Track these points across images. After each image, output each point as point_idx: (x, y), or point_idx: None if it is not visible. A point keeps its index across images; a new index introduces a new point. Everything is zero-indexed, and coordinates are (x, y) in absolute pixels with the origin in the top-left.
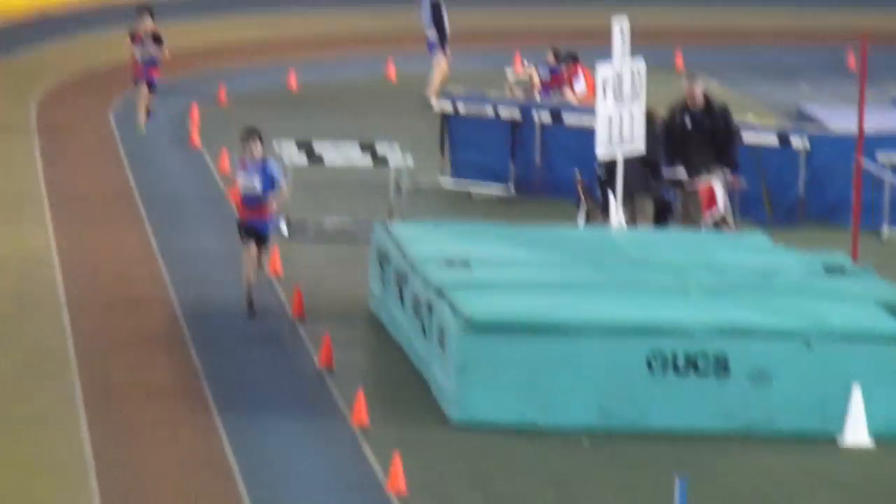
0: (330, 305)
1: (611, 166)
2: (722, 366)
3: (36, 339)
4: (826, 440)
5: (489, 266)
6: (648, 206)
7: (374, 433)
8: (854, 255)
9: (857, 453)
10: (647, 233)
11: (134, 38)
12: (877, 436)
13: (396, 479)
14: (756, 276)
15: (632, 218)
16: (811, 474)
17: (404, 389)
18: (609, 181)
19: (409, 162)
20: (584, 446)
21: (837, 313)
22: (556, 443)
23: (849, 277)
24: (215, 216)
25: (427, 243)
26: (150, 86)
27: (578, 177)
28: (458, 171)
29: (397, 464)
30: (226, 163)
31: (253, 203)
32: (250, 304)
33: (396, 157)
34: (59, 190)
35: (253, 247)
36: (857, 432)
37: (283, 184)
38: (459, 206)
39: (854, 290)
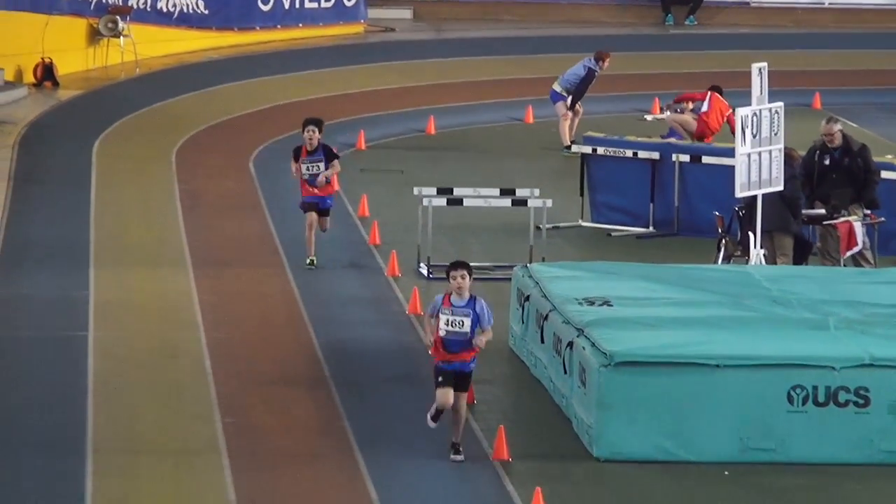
0: None
1: (750, 205)
2: (863, 398)
3: (179, 381)
4: None
5: (629, 304)
6: (788, 244)
7: (516, 468)
8: None
9: None
10: (787, 269)
11: (295, 154)
12: None
13: None
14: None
15: (771, 256)
16: None
17: (545, 425)
18: (748, 219)
19: (549, 203)
20: (726, 475)
21: None
22: (697, 475)
23: None
24: (355, 259)
25: (567, 282)
26: (324, 212)
27: (718, 215)
28: (597, 212)
29: (539, 499)
30: (366, 208)
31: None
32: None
33: (536, 199)
34: (199, 235)
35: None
36: None
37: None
38: (599, 247)
39: None
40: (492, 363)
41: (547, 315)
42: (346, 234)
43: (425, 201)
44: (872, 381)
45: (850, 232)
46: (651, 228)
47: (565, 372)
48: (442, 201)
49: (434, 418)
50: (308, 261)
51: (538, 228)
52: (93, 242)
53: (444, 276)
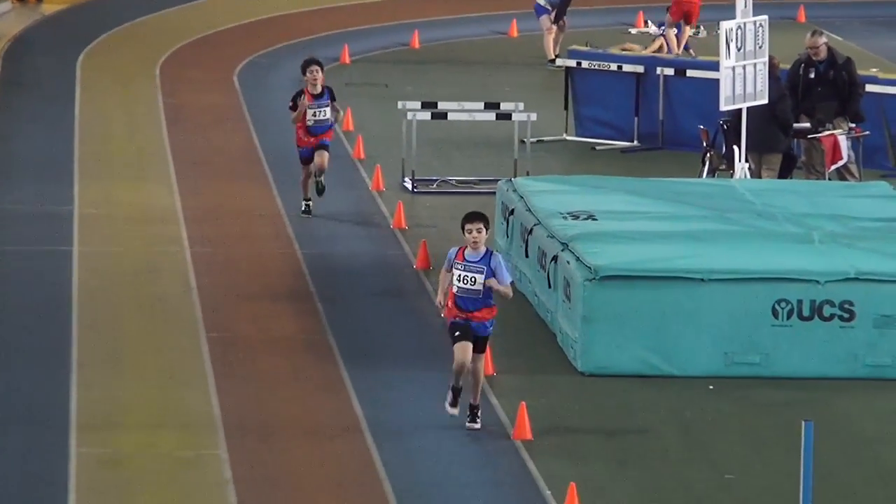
0: None
1: (735, 118)
2: (847, 312)
3: (163, 295)
4: None
5: (614, 218)
6: (776, 160)
7: (500, 382)
8: None
9: None
10: (772, 183)
11: (296, 100)
12: None
13: (522, 426)
14: (880, 223)
15: (756, 170)
16: None
17: (529, 340)
18: (733, 133)
19: (533, 117)
20: (710, 389)
21: None
22: (681, 389)
23: None
24: (340, 174)
25: (552, 197)
26: (326, 148)
27: (702, 128)
28: (582, 126)
29: (523, 412)
30: (350, 122)
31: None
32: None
33: (520, 113)
34: (183, 149)
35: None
36: None
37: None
38: (583, 161)
39: None
40: None
41: (531, 229)
42: (331, 148)
43: (409, 115)
44: (857, 294)
45: (835, 145)
46: (636, 142)
47: (550, 286)
48: (426, 115)
49: (453, 402)
50: (303, 206)
51: (522, 142)
52: (77, 157)
53: (429, 191)
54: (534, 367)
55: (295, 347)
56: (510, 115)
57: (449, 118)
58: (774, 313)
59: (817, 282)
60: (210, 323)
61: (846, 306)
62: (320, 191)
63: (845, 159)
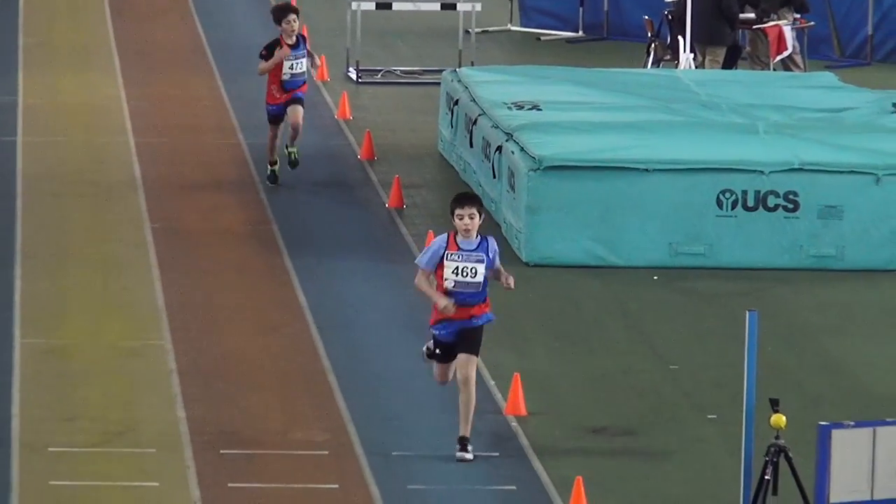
0: (399, 149)
1: (681, 9)
2: (792, 202)
3: (108, 186)
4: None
5: (558, 108)
6: (721, 52)
7: None
8: None
9: None
10: (716, 74)
11: (272, 49)
12: None
13: None
14: (825, 114)
15: (701, 60)
16: (880, 306)
17: None
18: (678, 23)
19: (478, 7)
20: (655, 280)
21: None
22: (626, 279)
23: None
24: None
25: (496, 87)
26: (300, 101)
27: (647, 19)
28: (526, 17)
29: None
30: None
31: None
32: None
33: (465, 3)
34: (128, 41)
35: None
36: None
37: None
38: (528, 51)
39: None
40: (421, 167)
41: (476, 119)
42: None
43: (354, 5)
44: (801, 185)
45: (780, 36)
46: (580, 32)
47: (494, 176)
48: (370, 5)
49: (462, 448)
50: (269, 171)
51: (467, 32)
52: (21, 47)
53: (374, 81)
54: None
55: (239, 238)
56: (455, 5)
57: (394, 8)
58: (719, 203)
59: (762, 172)
60: (154, 213)
61: (790, 197)
62: (293, 163)
63: (790, 50)
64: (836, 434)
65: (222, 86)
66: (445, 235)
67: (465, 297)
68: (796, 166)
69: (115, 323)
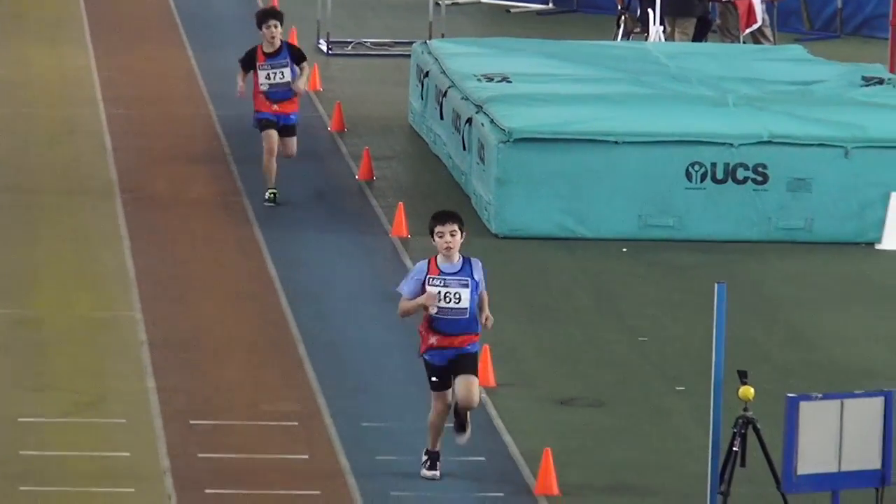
0: (369, 121)
1: None
2: (761, 175)
3: (78, 157)
4: (864, 246)
5: (528, 80)
6: (690, 25)
7: (415, 246)
8: (892, 67)
9: (894, 257)
10: (686, 47)
11: (251, 61)
12: None
13: None
14: (794, 87)
15: (671, 32)
16: (849, 279)
17: (444, 202)
18: None
19: None
20: (624, 252)
21: (875, 123)
22: (595, 252)
23: (886, 88)
24: (254, 36)
25: (466, 59)
26: (289, 130)
27: None
28: None
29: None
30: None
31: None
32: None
33: None
34: (98, 12)
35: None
36: (893, 237)
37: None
38: (498, 23)
39: (891, 100)
40: (391, 140)
41: (446, 91)
42: (245, 9)
43: None
44: (771, 157)
45: (750, 9)
46: (550, 5)
47: (464, 148)
48: None
49: (431, 465)
50: (267, 195)
51: (437, 4)
52: None
53: (344, 53)
54: None
55: (209, 209)
56: None
57: None
58: (688, 176)
59: (731, 145)
60: (125, 184)
61: (760, 169)
62: (270, 199)
63: (760, 23)
64: (804, 406)
65: (192, 57)
66: (426, 261)
67: (451, 323)
68: (765, 139)
69: (86, 294)
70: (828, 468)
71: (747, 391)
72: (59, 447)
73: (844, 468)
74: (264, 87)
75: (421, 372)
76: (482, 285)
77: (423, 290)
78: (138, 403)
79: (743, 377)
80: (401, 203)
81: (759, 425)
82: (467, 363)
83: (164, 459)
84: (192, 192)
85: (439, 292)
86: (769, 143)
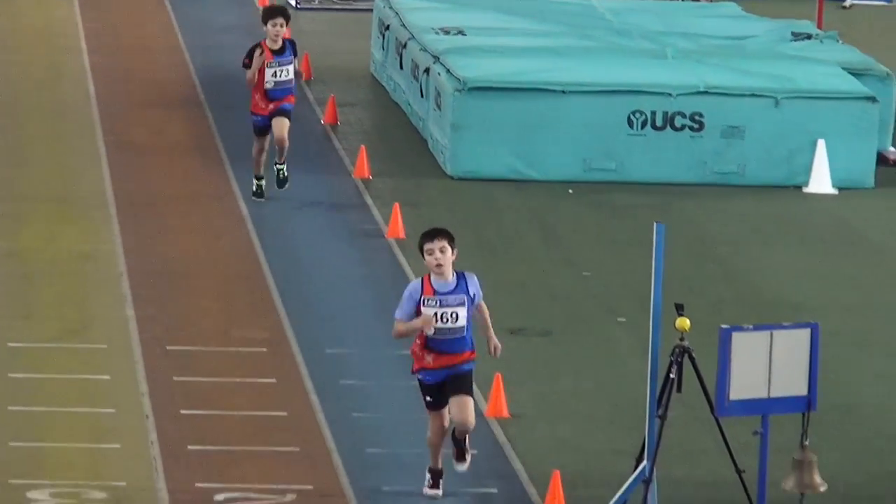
0: (334, 70)
1: None
2: (697, 123)
3: (63, 102)
4: (793, 189)
5: (482, 34)
6: None
7: (376, 185)
8: (819, 23)
9: (821, 200)
10: (629, 3)
11: (255, 53)
12: (838, 185)
13: (395, 226)
14: (729, 41)
15: None
16: (779, 219)
17: (403, 146)
18: None
19: None
20: (570, 193)
21: (804, 74)
22: (543, 193)
23: (814, 42)
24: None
25: (425, 13)
26: (287, 114)
27: None
28: None
29: (396, 213)
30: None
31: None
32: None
33: None
34: None
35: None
36: (821, 182)
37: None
38: None
39: (819, 53)
40: (355, 87)
41: (405, 43)
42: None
43: None
44: (707, 106)
45: None
46: None
47: (422, 96)
48: None
49: (433, 484)
50: (255, 186)
51: None
52: None
53: (312, 7)
54: (406, 171)
55: (186, 151)
56: None
57: None
58: (630, 123)
59: (669, 94)
60: (107, 128)
61: (696, 117)
62: (282, 181)
63: None
64: (736, 336)
65: (171, 11)
66: (419, 281)
67: (447, 343)
68: (702, 89)
69: (69, 228)
70: (758, 394)
71: (683, 322)
72: (45, 370)
73: (773, 394)
74: (269, 85)
75: (382, 304)
76: (479, 297)
77: (418, 311)
78: (118, 331)
79: (679, 309)
80: (363, 146)
81: (694, 354)
82: (462, 383)
83: (143, 383)
84: (170, 135)
85: (436, 313)
86: (705, 93)
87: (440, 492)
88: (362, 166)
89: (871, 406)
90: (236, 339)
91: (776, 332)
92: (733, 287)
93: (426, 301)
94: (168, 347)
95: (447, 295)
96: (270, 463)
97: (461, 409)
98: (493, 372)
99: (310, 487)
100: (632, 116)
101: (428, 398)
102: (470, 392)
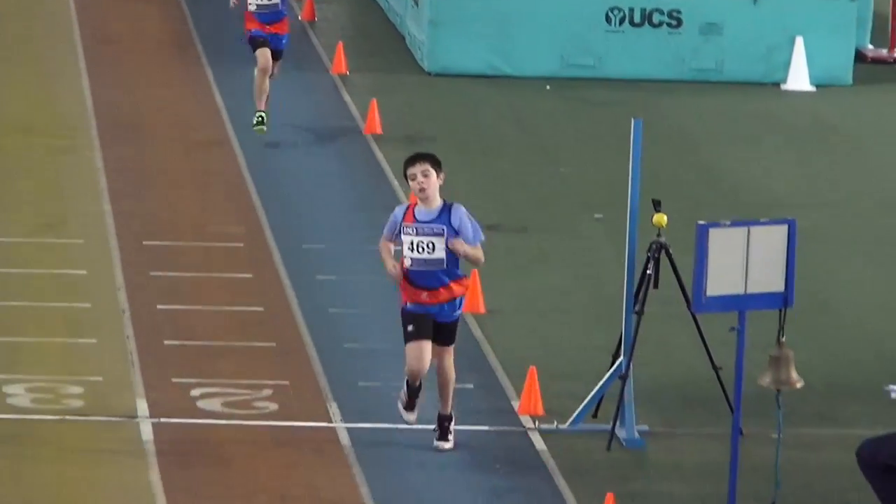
0: None
1: None
2: (675, 20)
3: (42, 2)
4: (771, 86)
5: None
6: None
7: (353, 81)
8: None
9: (799, 97)
10: None
11: None
12: (816, 82)
13: (373, 122)
14: None
15: None
16: (757, 116)
17: (381, 42)
18: None
19: None
20: (547, 89)
21: None
22: (521, 88)
23: None
24: None
25: None
26: (277, 53)
27: None
28: None
29: (374, 109)
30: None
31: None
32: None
33: None
34: None
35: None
36: (799, 79)
37: None
38: None
39: None
40: None
41: None
42: None
43: None
44: (684, 3)
45: None
46: None
47: None
48: None
49: (408, 405)
50: (255, 118)
51: None
52: None
53: None
54: (384, 67)
55: (163, 46)
56: None
57: None
58: (608, 19)
59: None
60: (84, 23)
61: (674, 14)
62: (259, 123)
63: None
64: (713, 232)
65: None
66: (405, 206)
67: (426, 276)
68: None
69: (48, 124)
70: (735, 290)
71: (661, 218)
72: (22, 265)
73: (750, 290)
74: (252, 8)
75: (359, 199)
76: (465, 230)
77: (393, 237)
78: (95, 225)
79: (657, 206)
80: (340, 42)
81: (671, 250)
82: (447, 333)
83: (119, 276)
84: (148, 31)
85: (413, 242)
86: None
87: (414, 416)
88: (340, 62)
89: (848, 302)
90: (213, 234)
91: (753, 229)
92: (710, 183)
93: (404, 228)
94: (145, 242)
95: (425, 224)
96: (247, 358)
97: (441, 354)
98: (470, 267)
99: (286, 383)
100: (610, 13)
101: (409, 328)
102: (451, 342)
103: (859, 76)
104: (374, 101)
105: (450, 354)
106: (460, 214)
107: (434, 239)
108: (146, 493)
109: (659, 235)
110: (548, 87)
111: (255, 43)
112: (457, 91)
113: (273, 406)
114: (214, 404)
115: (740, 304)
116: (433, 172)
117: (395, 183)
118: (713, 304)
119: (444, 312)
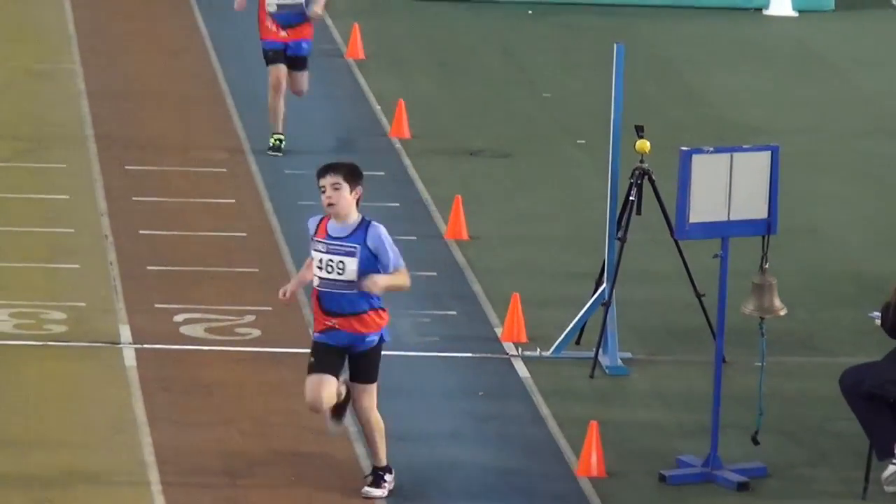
0: None
1: None
2: None
3: None
4: (753, 12)
5: None
6: None
7: (335, 5)
8: None
9: (781, 22)
10: None
11: None
12: (799, 7)
13: (355, 46)
14: None
15: None
16: (739, 42)
17: None
18: None
19: None
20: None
21: None
22: (503, 13)
23: None
24: None
25: None
26: (299, 62)
27: None
28: None
29: (356, 33)
30: None
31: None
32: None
33: None
34: None
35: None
36: (781, 4)
37: None
38: None
39: None
40: None
41: None
42: None
43: None
44: None
45: None
46: None
47: None
48: None
49: (332, 416)
50: (271, 141)
51: None
52: None
53: None
54: None
55: None
56: None
57: None
58: None
59: None
60: None
61: None
62: (275, 147)
63: None
64: (697, 159)
65: None
66: (319, 218)
67: (335, 299)
68: None
69: (28, 47)
70: (718, 217)
71: (643, 144)
72: (2, 190)
73: (733, 217)
74: (271, 9)
75: (341, 123)
76: (383, 254)
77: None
78: (77, 150)
79: (639, 131)
80: None
81: (654, 176)
82: (365, 367)
83: (102, 202)
84: None
85: (321, 259)
86: None
87: (339, 428)
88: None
89: (831, 229)
90: (196, 158)
91: (736, 155)
92: (693, 109)
93: (315, 243)
94: (127, 167)
95: (337, 241)
96: (230, 284)
97: (361, 397)
98: (453, 194)
99: (269, 308)
100: None
101: (311, 359)
102: (373, 379)
103: (841, 2)
104: (356, 26)
105: (370, 395)
106: (378, 234)
107: (345, 259)
108: (129, 419)
109: (641, 161)
110: (530, 11)
111: (268, 57)
112: (439, 15)
113: (256, 332)
114: (197, 330)
115: (723, 230)
116: (345, 186)
117: (377, 108)
118: (696, 230)
119: (354, 340)
